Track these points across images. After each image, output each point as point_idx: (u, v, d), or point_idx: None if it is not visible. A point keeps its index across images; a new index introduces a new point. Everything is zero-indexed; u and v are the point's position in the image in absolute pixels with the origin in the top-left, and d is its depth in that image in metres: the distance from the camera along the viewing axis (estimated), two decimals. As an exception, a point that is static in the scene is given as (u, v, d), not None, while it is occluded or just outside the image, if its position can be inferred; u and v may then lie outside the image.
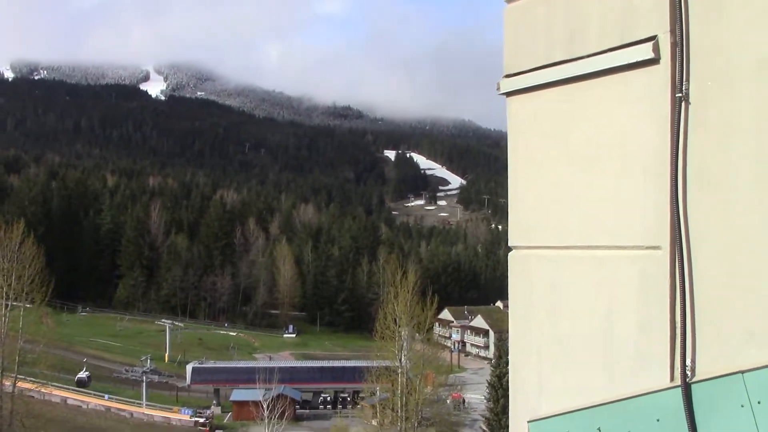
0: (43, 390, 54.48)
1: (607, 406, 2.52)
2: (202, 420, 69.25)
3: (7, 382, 45.50)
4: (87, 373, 78.22)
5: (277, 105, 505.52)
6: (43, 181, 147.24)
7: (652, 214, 2.42)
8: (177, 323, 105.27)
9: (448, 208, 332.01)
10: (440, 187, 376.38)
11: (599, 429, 2.53)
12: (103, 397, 73.92)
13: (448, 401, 63.05)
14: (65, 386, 71.66)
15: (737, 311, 2.22)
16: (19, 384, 48.19)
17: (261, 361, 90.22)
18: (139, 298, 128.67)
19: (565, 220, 2.72)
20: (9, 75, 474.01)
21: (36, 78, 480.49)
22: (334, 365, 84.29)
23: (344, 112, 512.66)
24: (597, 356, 2.59)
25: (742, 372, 2.18)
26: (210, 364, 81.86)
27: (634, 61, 2.44)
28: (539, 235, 2.82)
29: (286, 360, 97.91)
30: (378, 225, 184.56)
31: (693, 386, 2.28)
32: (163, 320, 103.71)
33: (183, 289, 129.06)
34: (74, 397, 72.08)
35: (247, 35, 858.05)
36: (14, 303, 46.68)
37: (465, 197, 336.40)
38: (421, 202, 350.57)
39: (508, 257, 2.97)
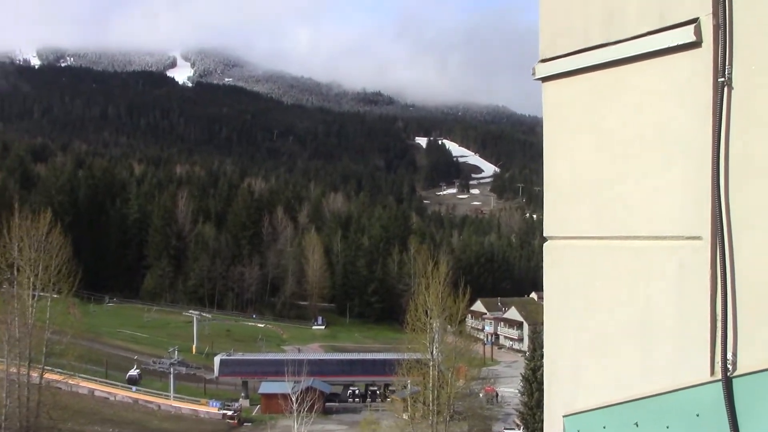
0: (70, 381, 54.93)
1: (644, 400, 2.45)
2: (230, 413, 69.16)
3: (34, 374, 45.37)
4: (138, 370, 78.04)
5: (305, 91, 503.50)
6: (70, 170, 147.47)
7: (692, 204, 2.34)
8: (204, 314, 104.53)
9: (481, 197, 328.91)
10: (473, 175, 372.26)
11: (636, 424, 2.47)
12: (131, 389, 73.70)
13: (481, 395, 62.31)
14: (92, 378, 71.45)
15: (782, 304, 2.16)
16: (46, 375, 48.18)
17: (290, 354, 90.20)
18: (166, 289, 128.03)
19: (602, 209, 2.65)
20: (36, 62, 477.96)
21: (63, 65, 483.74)
22: (364, 358, 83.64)
23: (374, 98, 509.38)
24: (634, 349, 2.53)
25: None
26: (238, 356, 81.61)
27: (675, 44, 2.36)
28: (575, 225, 2.76)
29: (315, 352, 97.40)
30: (409, 214, 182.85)
31: (734, 380, 2.21)
32: (190, 311, 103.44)
33: (210, 280, 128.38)
34: (101, 389, 72.32)
35: (276, 20, 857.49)
36: (41, 293, 46.50)
37: (498, 185, 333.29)
38: (453, 190, 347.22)
39: (543, 247, 2.90)
